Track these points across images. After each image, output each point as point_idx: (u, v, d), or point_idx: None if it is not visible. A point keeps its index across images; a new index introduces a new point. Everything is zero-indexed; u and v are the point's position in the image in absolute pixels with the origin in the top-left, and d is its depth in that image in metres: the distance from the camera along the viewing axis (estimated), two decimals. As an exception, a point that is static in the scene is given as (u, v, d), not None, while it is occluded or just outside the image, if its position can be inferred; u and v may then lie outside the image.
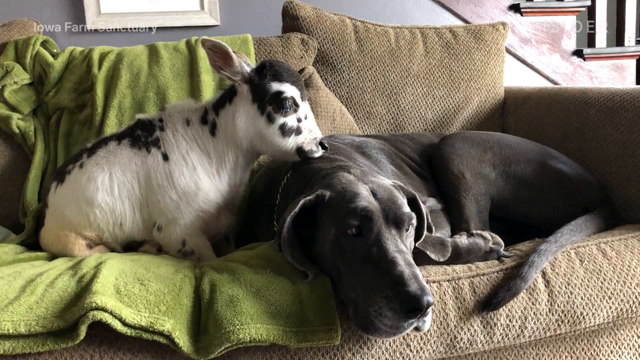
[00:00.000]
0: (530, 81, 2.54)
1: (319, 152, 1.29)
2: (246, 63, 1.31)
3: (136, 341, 0.97)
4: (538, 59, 2.53)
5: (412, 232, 1.09)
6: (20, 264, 1.19)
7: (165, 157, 1.30)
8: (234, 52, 1.27)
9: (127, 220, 1.31)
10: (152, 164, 1.30)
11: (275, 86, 1.26)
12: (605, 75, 2.59)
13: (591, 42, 2.69)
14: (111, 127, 1.63)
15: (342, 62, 1.92)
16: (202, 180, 1.30)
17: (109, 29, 2.14)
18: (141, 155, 1.31)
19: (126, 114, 1.65)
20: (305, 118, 1.29)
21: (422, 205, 1.16)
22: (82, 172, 1.32)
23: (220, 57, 1.28)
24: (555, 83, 2.56)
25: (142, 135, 1.34)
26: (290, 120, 1.27)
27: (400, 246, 1.01)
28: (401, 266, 0.95)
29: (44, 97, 1.73)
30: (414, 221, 1.08)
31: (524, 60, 2.52)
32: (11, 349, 0.91)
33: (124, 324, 0.94)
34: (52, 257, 1.32)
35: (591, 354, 1.27)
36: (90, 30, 2.12)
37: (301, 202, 1.07)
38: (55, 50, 1.78)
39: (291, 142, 1.27)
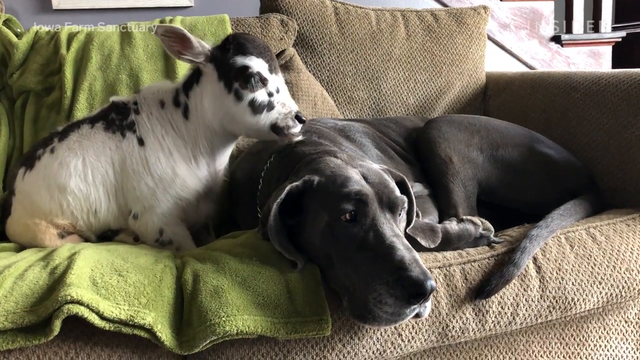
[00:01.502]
0: (508, 67, 2.54)
1: (296, 127, 1.21)
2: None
3: (115, 336, 0.91)
4: (517, 44, 2.52)
5: (404, 216, 1.07)
6: (-15, 256, 1.12)
7: (141, 142, 1.25)
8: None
9: (102, 208, 1.25)
10: (127, 149, 1.24)
11: (240, 60, 1.19)
12: (582, 62, 2.60)
13: (568, 29, 2.69)
14: (81, 111, 1.56)
15: (323, 45, 1.87)
16: (179, 166, 1.24)
17: (76, 9, 2.04)
18: (115, 140, 1.25)
19: (97, 97, 1.58)
20: (277, 92, 1.21)
21: (411, 190, 1.13)
22: (53, 157, 1.26)
23: (177, 41, 1.20)
24: (533, 69, 2.56)
25: (117, 118, 1.27)
26: (260, 96, 1.19)
27: (396, 230, 0.98)
28: (401, 250, 0.92)
29: (8, 80, 1.64)
30: (406, 205, 1.05)
31: (502, 45, 2.51)
32: (-22, 347, 0.85)
33: (102, 317, 0.88)
34: (20, 248, 1.25)
35: (580, 339, 1.27)
36: (56, 10, 2.02)
37: (287, 188, 1.02)
38: (19, 30, 1.69)
39: (263, 119, 1.20)
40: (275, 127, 1.20)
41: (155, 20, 1.72)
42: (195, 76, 1.26)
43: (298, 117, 1.21)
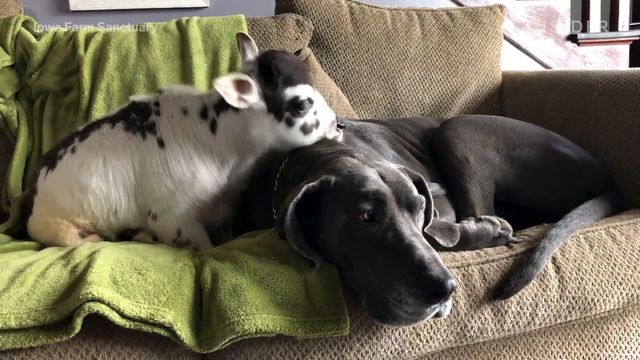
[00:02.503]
0: (524, 66, 2.52)
1: (340, 135, 1.29)
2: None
3: (135, 334, 0.92)
4: (532, 43, 2.50)
5: (422, 215, 1.06)
6: (6, 254, 1.13)
7: (161, 144, 1.25)
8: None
9: (122, 208, 1.25)
10: (148, 150, 1.25)
11: (290, 92, 1.21)
12: (599, 61, 2.58)
13: (585, 27, 2.66)
14: (99, 110, 1.56)
15: (338, 45, 1.87)
16: (199, 170, 1.25)
17: (93, 10, 2.05)
18: (136, 140, 1.26)
19: (114, 97, 1.59)
20: (320, 108, 1.26)
21: (429, 189, 1.13)
22: (74, 157, 1.27)
23: (238, 88, 1.19)
24: (549, 68, 2.54)
25: (138, 119, 1.28)
26: (309, 118, 1.24)
27: (415, 230, 0.98)
28: (420, 250, 0.91)
29: (27, 80, 1.65)
30: (424, 204, 1.05)
31: (518, 45, 2.49)
32: (1, 344, 0.85)
33: (122, 315, 0.88)
34: (41, 246, 1.25)
35: (600, 340, 1.25)
36: (74, 11, 2.03)
37: (304, 188, 1.02)
38: (37, 31, 1.69)
39: (314, 136, 1.26)
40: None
41: (171, 20, 1.72)
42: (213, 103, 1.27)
43: (339, 125, 1.28)
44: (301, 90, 1.22)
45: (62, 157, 1.28)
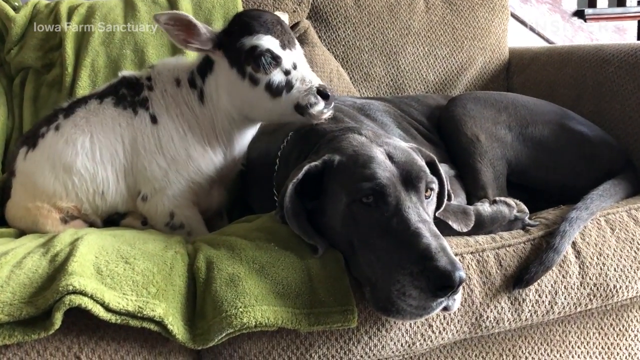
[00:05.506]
0: (529, 43, 2.44)
1: (319, 103, 1.08)
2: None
3: (122, 329, 0.85)
4: (538, 19, 2.42)
5: (434, 199, 0.99)
6: (-19, 242, 1.05)
7: (154, 120, 1.18)
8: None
9: (110, 189, 1.18)
10: (139, 126, 1.17)
11: (247, 41, 1.10)
12: (607, 38, 2.52)
13: (592, 3, 2.59)
14: (83, 88, 1.48)
15: (338, 19, 1.79)
16: (193, 148, 1.18)
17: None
18: (126, 116, 1.18)
19: (100, 73, 1.50)
20: (295, 68, 1.11)
21: (442, 170, 1.05)
22: (58, 134, 1.19)
23: (183, 29, 1.11)
24: (555, 45, 2.47)
25: (128, 94, 1.20)
26: (276, 76, 1.09)
27: (423, 215, 0.91)
28: (427, 238, 0.85)
29: (5, 56, 1.56)
30: (436, 187, 0.98)
31: (523, 21, 2.42)
32: (-29, 342, 0.78)
33: (107, 309, 0.81)
34: (20, 234, 1.18)
35: (620, 329, 1.19)
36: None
37: (305, 167, 0.96)
38: (16, 4, 1.60)
39: (284, 100, 1.10)
40: (298, 107, 1.10)
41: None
42: (208, 63, 1.18)
43: (320, 92, 1.08)
44: (261, 41, 1.09)
45: (44, 135, 1.21)
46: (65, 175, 1.17)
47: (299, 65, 1.12)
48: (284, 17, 1.25)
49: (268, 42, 1.10)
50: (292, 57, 1.12)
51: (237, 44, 1.10)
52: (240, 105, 1.15)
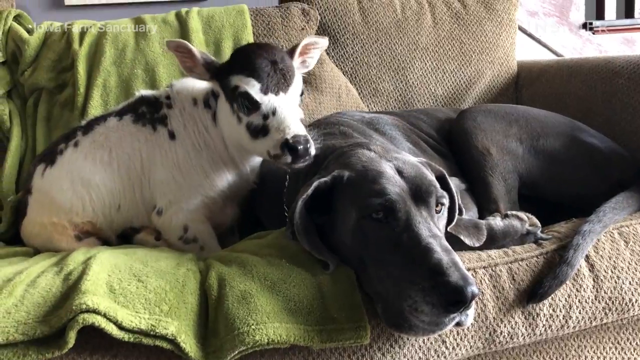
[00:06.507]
0: (537, 56, 2.44)
1: (286, 157, 1.04)
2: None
3: (135, 347, 0.85)
4: (546, 32, 2.42)
5: (444, 213, 0.99)
6: (-4, 261, 1.06)
7: (172, 136, 1.21)
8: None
9: (126, 202, 1.21)
10: (158, 142, 1.21)
11: (232, 80, 1.10)
12: (615, 50, 2.50)
13: (600, 15, 2.58)
14: (95, 108, 1.50)
15: (346, 35, 1.80)
16: (208, 164, 1.20)
17: (88, 4, 1.98)
18: (145, 132, 1.22)
19: (112, 93, 1.52)
20: (274, 114, 1.07)
21: (452, 184, 1.05)
22: (77, 150, 1.22)
23: (189, 57, 1.13)
24: (563, 58, 2.46)
25: (148, 111, 1.24)
26: (255, 120, 1.09)
27: (434, 230, 0.90)
28: (438, 253, 0.85)
29: (19, 78, 1.58)
30: (446, 201, 0.97)
31: (530, 34, 2.42)
32: (-14, 362, 0.79)
33: (120, 327, 0.82)
34: (35, 252, 1.19)
35: (637, 343, 1.18)
36: (68, 5, 1.96)
37: (315, 183, 0.96)
38: (30, 26, 1.63)
39: (260, 144, 1.09)
40: (269, 155, 1.08)
41: (170, 12, 1.65)
42: (213, 90, 1.21)
43: (289, 145, 1.04)
44: (240, 82, 1.08)
45: (62, 152, 1.24)
46: (83, 189, 1.19)
47: (279, 112, 1.08)
48: (323, 42, 1.22)
49: (248, 85, 1.08)
50: (274, 102, 1.08)
51: (226, 80, 1.12)
52: (231, 137, 1.17)
